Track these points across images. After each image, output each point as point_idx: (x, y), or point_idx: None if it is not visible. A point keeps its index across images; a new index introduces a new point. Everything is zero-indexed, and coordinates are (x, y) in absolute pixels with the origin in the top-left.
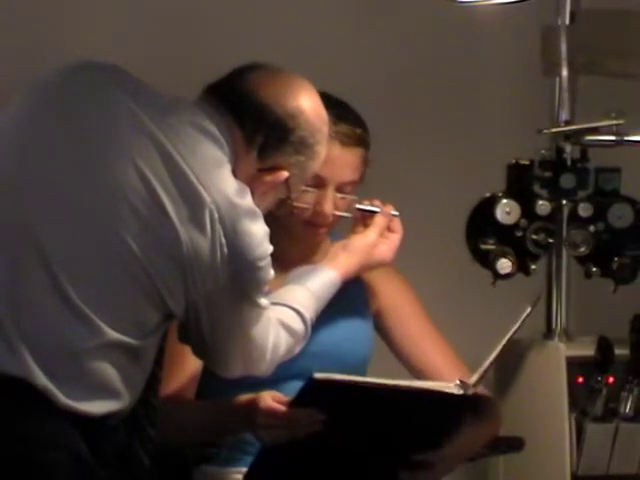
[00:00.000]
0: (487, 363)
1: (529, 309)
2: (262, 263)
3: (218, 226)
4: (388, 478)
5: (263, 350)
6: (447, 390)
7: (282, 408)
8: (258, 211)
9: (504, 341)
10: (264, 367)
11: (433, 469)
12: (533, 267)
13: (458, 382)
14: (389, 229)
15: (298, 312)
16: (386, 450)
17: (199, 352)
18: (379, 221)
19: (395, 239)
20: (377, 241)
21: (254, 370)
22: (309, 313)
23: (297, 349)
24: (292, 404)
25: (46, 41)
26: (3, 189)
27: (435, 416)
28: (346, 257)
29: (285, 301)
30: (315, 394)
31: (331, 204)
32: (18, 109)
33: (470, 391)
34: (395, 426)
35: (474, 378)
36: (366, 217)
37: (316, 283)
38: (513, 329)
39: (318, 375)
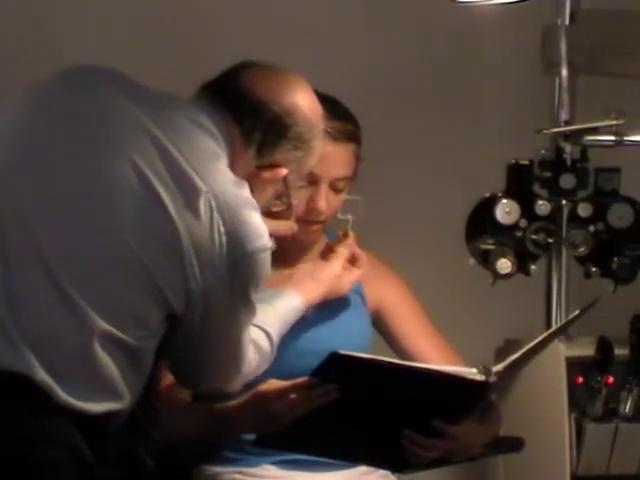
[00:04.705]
0: (515, 356)
1: (578, 311)
2: (261, 255)
3: (216, 215)
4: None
5: (240, 362)
6: (469, 376)
7: (290, 383)
8: (256, 204)
9: (540, 338)
10: (238, 381)
11: (449, 441)
12: (533, 267)
13: (481, 367)
14: (353, 263)
15: (267, 333)
16: (403, 418)
17: (178, 360)
18: (342, 251)
19: (357, 274)
20: (341, 273)
21: (228, 382)
22: (276, 335)
23: (262, 369)
24: (311, 376)
25: (46, 43)
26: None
27: (454, 397)
28: (312, 286)
29: (255, 320)
30: (334, 368)
31: (324, 200)
32: (16, 111)
33: (492, 378)
34: (413, 401)
35: (498, 367)
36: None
37: (283, 307)
38: (553, 329)
39: (339, 351)
